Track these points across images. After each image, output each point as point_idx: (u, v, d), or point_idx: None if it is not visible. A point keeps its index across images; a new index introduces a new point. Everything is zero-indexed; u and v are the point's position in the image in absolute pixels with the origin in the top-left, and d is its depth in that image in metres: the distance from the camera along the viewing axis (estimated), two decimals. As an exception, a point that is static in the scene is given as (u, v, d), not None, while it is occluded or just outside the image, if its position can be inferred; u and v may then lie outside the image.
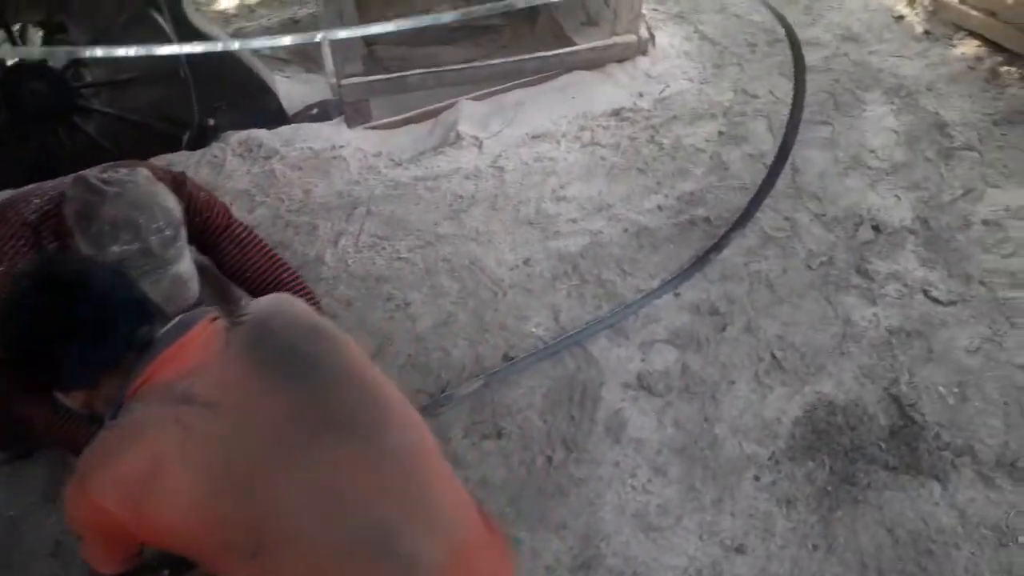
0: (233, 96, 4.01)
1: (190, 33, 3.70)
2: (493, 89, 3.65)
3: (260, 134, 3.69)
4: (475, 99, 3.60)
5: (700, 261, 2.55)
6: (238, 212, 3.23)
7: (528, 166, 3.22)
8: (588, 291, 2.59)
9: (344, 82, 3.41)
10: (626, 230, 2.80)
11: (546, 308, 2.56)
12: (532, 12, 4.77)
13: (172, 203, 1.63)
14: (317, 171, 3.42)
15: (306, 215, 3.17)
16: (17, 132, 3.68)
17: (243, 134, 3.72)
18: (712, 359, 2.25)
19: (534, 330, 2.50)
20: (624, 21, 3.40)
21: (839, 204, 2.64)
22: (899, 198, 2.60)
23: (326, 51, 3.41)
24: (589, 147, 3.24)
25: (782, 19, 2.40)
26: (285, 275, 1.98)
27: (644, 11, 3.76)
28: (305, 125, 3.73)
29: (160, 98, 3.81)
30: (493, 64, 3.47)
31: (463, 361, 2.42)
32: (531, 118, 3.48)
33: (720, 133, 3.08)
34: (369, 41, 4.80)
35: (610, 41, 3.46)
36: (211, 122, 4.06)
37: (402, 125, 3.66)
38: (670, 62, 3.52)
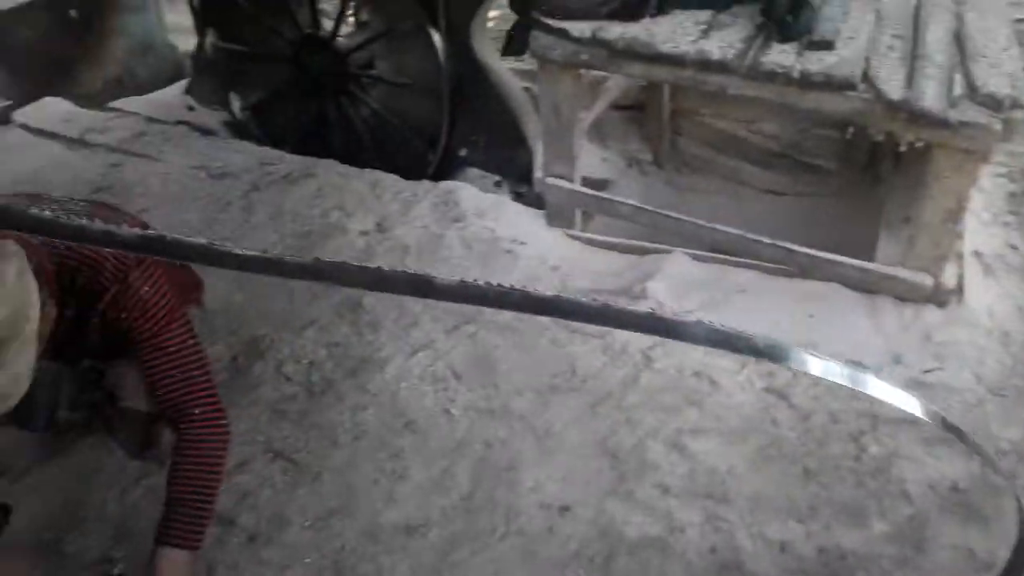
0: (490, 135, 3.74)
1: (467, 61, 3.47)
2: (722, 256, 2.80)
3: (465, 194, 3.29)
4: (693, 256, 2.79)
5: None
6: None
7: (679, 375, 2.38)
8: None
9: (549, 180, 2.87)
10: (713, 551, 1.88)
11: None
12: (877, 168, 3.66)
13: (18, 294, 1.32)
14: (481, 260, 2.94)
15: (420, 304, 2.74)
16: (299, 90, 3.88)
17: (450, 184, 3.38)
18: None
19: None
20: (921, 254, 2.30)
21: None
22: None
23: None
24: (770, 395, 2.29)
25: None
26: (196, 409, 1.68)
27: (968, 250, 2.52)
28: (509, 203, 3.26)
29: (425, 113, 3.68)
30: (720, 231, 2.63)
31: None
32: (742, 314, 2.58)
33: (954, 489, 1.91)
34: (676, 130, 4.16)
35: (892, 271, 2.39)
36: (463, 152, 3.85)
37: (608, 249, 2.99)
38: (969, 334, 2.32)
